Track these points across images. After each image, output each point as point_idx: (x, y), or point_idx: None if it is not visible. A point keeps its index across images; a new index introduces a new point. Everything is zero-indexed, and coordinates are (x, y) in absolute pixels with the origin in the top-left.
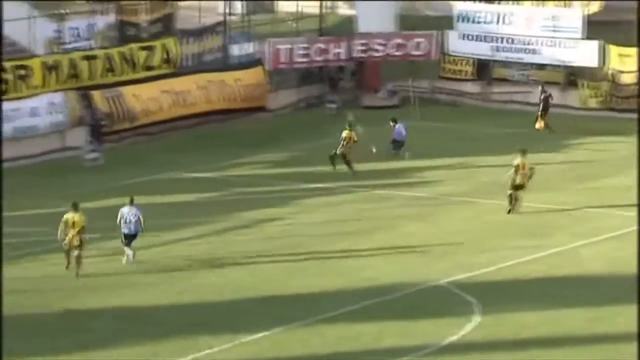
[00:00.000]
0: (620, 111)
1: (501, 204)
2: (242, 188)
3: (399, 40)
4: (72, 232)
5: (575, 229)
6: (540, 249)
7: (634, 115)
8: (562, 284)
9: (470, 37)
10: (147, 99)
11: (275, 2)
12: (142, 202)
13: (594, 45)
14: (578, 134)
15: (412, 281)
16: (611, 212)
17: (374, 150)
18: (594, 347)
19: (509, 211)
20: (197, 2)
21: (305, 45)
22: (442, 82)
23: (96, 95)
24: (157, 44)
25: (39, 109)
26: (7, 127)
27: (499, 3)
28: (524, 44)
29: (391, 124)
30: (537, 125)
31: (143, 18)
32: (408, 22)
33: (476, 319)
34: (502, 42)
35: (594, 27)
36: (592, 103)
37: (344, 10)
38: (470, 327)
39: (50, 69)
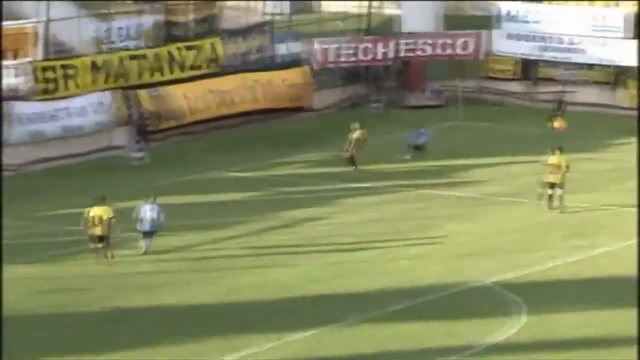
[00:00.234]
0: None
1: (546, 204)
2: (286, 188)
3: (445, 40)
4: (97, 226)
5: (622, 229)
6: (587, 250)
7: None
8: (608, 285)
9: (516, 37)
10: (192, 98)
11: (320, 2)
12: (186, 202)
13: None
14: (627, 134)
15: (458, 281)
16: None
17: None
18: None
19: (549, 208)
20: (243, 2)
21: (351, 44)
22: (488, 81)
23: (142, 94)
24: (203, 43)
25: (86, 108)
26: (55, 127)
27: (545, 2)
28: (570, 44)
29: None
30: (555, 124)
31: (189, 18)
32: (453, 22)
33: (522, 319)
34: (548, 41)
35: None
36: None
37: (389, 10)
38: (516, 327)
39: (98, 68)
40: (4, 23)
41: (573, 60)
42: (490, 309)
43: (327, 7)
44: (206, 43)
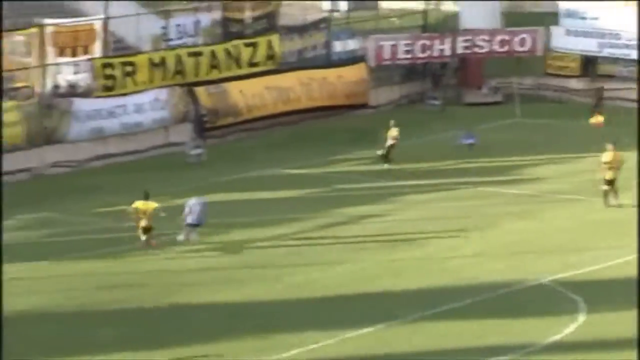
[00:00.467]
0: None
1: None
2: (342, 185)
3: (504, 37)
4: (142, 218)
5: None
6: None
7: None
8: None
9: (575, 33)
10: (250, 95)
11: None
12: (243, 199)
13: None
14: None
15: (516, 279)
16: None
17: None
18: None
19: (608, 206)
20: None
21: (409, 41)
22: (547, 78)
23: (200, 91)
24: (260, 40)
25: (144, 105)
26: (114, 123)
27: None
28: (629, 40)
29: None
30: (594, 120)
31: (247, 15)
32: (512, 19)
33: (580, 318)
34: (608, 38)
35: None
36: None
37: (447, 6)
38: (573, 326)
39: (156, 65)
40: (66, 20)
41: (632, 57)
42: (547, 307)
43: (385, 4)
44: (263, 40)
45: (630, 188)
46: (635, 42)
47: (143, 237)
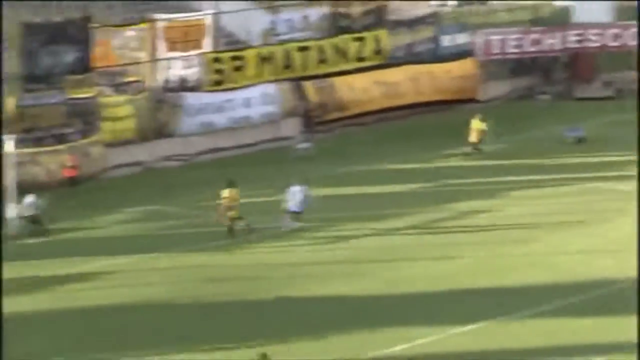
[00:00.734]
0: None
1: None
2: (450, 179)
3: (616, 31)
4: (232, 209)
5: None
6: None
7: None
8: None
9: None
10: (358, 89)
11: None
12: (351, 193)
13: None
14: None
15: (627, 276)
16: None
17: None
18: None
19: None
20: None
21: (519, 35)
22: None
23: (308, 85)
24: (368, 35)
25: (254, 100)
26: (222, 118)
27: None
28: None
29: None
30: None
31: (356, 10)
32: (626, 12)
33: None
34: None
35: None
36: None
37: (559, 1)
38: None
39: (265, 60)
40: (177, 16)
41: None
42: None
43: None
44: (371, 35)
45: None
46: None
47: (233, 226)
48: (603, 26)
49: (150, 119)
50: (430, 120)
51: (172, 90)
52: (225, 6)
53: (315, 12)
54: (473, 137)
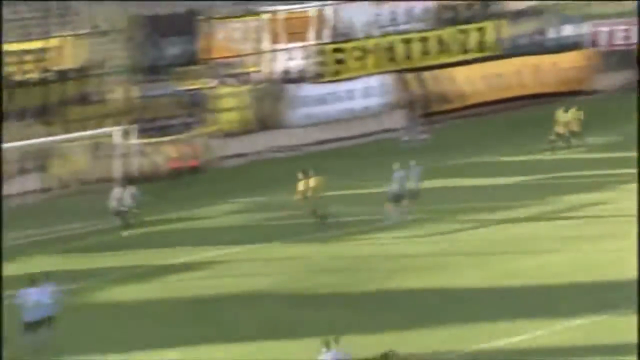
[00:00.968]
0: None
1: None
2: (561, 172)
3: None
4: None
5: None
6: None
7: None
8: None
9: None
10: (463, 82)
11: None
12: (459, 185)
13: None
14: None
15: None
16: None
17: None
18: None
19: None
20: None
21: (626, 27)
22: None
23: (419, 77)
24: (473, 27)
25: (364, 91)
26: (334, 109)
27: None
28: None
29: None
30: None
31: (462, 2)
32: None
33: None
34: None
35: None
36: None
37: None
38: None
39: (369, 52)
40: (289, 7)
41: None
42: None
43: None
44: (480, 26)
45: None
46: None
47: (310, 210)
48: None
49: (261, 110)
50: (540, 112)
51: (287, 81)
52: None
53: (421, 5)
54: (560, 129)
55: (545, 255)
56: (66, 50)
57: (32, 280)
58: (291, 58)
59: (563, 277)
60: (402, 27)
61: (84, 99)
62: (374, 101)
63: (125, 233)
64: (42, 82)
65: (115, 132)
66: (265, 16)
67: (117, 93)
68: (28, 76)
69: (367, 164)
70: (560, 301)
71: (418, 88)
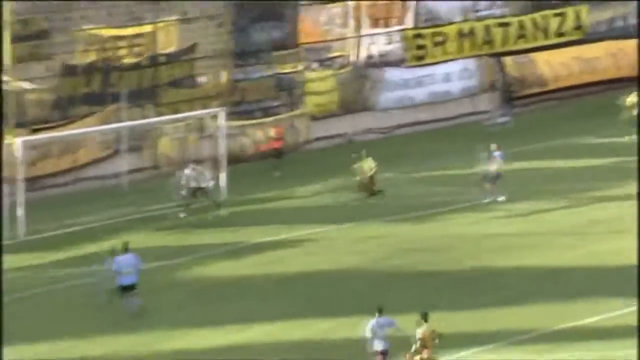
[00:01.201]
0: None
1: None
2: None
3: None
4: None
5: None
6: None
7: None
8: None
9: None
10: (557, 65)
11: None
12: (548, 166)
13: None
14: None
15: None
16: None
17: None
18: None
19: None
20: None
21: None
22: None
23: (507, 61)
24: (568, 10)
25: (452, 75)
26: (422, 92)
27: None
28: None
29: None
30: None
31: None
32: None
33: None
34: None
35: None
36: None
37: None
38: None
39: (465, 35)
40: None
41: None
42: None
43: None
44: (571, 10)
45: None
46: None
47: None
48: None
49: (352, 93)
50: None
51: (373, 65)
52: None
53: None
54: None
55: (630, 236)
56: (166, 35)
57: (125, 248)
58: (378, 43)
59: None
60: (485, 13)
61: (181, 83)
62: (459, 85)
63: (215, 213)
64: (142, 66)
65: (210, 114)
66: (352, 3)
67: (213, 77)
68: (129, 60)
69: (454, 147)
70: None
71: (513, 71)
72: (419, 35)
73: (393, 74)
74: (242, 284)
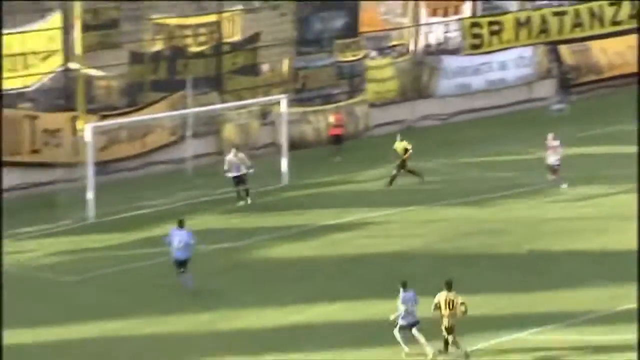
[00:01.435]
0: None
1: None
2: None
3: None
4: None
5: None
6: None
7: None
8: None
9: None
10: (612, 53)
11: None
12: (602, 152)
13: None
14: None
15: None
16: None
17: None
18: None
19: None
20: None
21: None
22: None
23: (564, 49)
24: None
25: (509, 63)
26: (479, 80)
27: None
28: None
29: None
30: None
31: None
32: None
33: None
34: None
35: None
36: None
37: None
38: None
39: (522, 24)
40: None
41: None
42: None
43: None
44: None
45: None
46: None
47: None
48: None
49: (411, 80)
50: None
51: (432, 53)
52: None
53: None
54: None
55: None
56: (231, 24)
57: (180, 222)
58: (436, 32)
59: None
60: (542, 2)
61: (244, 70)
62: (515, 73)
63: (243, 202)
64: (208, 54)
65: (273, 101)
66: None
67: (275, 65)
68: (195, 48)
69: (516, 132)
70: None
71: (569, 58)
72: (476, 24)
73: (451, 62)
74: (304, 265)
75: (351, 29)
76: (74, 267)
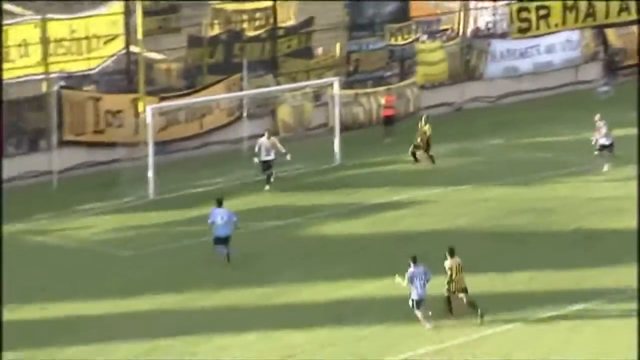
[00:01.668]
0: None
1: None
2: None
3: None
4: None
5: None
6: None
7: None
8: None
9: None
10: None
11: None
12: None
13: None
14: None
15: None
16: None
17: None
18: None
19: None
20: None
21: None
22: None
23: (610, 32)
24: None
25: (556, 46)
26: (527, 63)
27: None
28: None
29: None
30: None
31: None
32: None
33: None
34: None
35: None
36: None
37: None
38: None
39: (569, 9)
40: None
41: None
42: None
43: None
44: None
45: None
46: None
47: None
48: None
49: (460, 63)
50: None
51: (480, 37)
52: None
53: None
54: None
55: None
56: (285, 9)
57: (219, 201)
58: (484, 16)
59: None
60: None
61: (298, 54)
62: (571, 54)
63: (266, 187)
64: (263, 38)
65: (326, 83)
66: None
67: (333, 47)
68: (251, 33)
69: (558, 115)
70: None
71: (615, 42)
72: (524, 9)
73: (499, 46)
74: (356, 243)
75: (402, 14)
76: (134, 242)
